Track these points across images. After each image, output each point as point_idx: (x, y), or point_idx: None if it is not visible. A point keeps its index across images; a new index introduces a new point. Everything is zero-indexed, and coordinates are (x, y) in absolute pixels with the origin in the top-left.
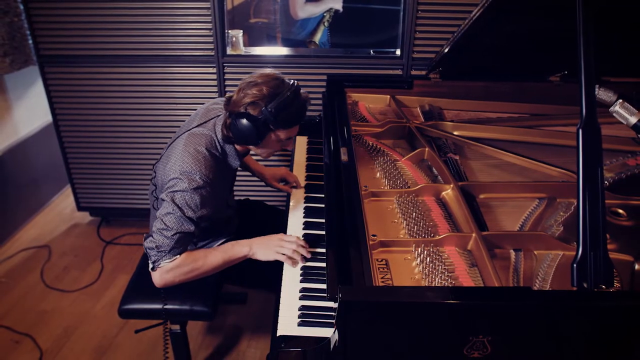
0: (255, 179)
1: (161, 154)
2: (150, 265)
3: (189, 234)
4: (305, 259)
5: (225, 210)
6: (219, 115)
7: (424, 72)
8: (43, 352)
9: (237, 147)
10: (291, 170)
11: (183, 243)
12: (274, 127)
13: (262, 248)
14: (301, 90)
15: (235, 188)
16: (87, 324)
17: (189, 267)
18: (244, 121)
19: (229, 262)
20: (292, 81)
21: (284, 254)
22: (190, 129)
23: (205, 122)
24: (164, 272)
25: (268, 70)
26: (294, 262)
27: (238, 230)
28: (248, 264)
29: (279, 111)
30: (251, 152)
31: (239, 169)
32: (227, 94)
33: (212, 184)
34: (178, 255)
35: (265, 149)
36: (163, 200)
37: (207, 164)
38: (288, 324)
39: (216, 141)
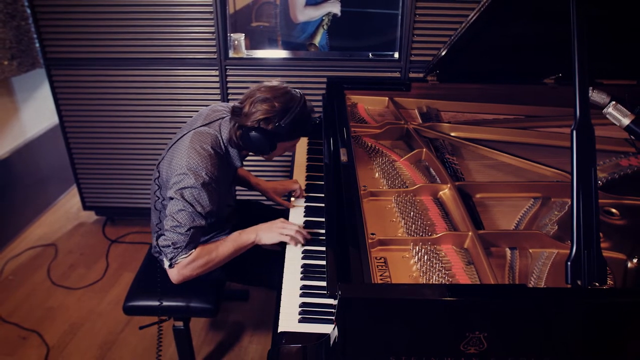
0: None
1: (162, 154)
2: (167, 263)
3: (201, 228)
4: (306, 241)
5: (225, 209)
6: (224, 117)
7: (421, 75)
8: (50, 348)
9: (243, 151)
10: (291, 170)
11: (196, 238)
12: (285, 139)
13: (267, 232)
14: (306, 102)
15: (236, 188)
16: (92, 320)
17: (204, 259)
18: (257, 135)
19: (239, 250)
20: (299, 93)
21: (287, 235)
22: (196, 128)
23: (210, 122)
24: (182, 268)
25: (276, 83)
26: (295, 242)
27: (237, 230)
28: (250, 262)
29: (291, 127)
30: (255, 156)
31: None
32: (233, 103)
33: (216, 180)
34: (193, 250)
35: (271, 156)
36: (171, 198)
37: (212, 162)
38: (289, 320)
39: (221, 141)
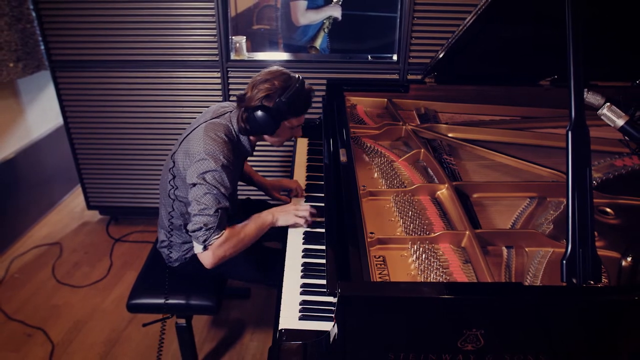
0: None
1: (175, 146)
2: (201, 247)
3: (226, 209)
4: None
5: (232, 203)
6: (231, 111)
7: (419, 77)
8: (55, 345)
9: (251, 137)
10: (292, 170)
11: (224, 219)
12: (286, 115)
13: (283, 214)
14: (306, 84)
15: (238, 188)
16: (96, 318)
17: (235, 239)
18: (260, 113)
19: (260, 231)
20: (297, 75)
21: (302, 216)
22: (207, 120)
23: (219, 115)
24: (216, 248)
25: (274, 67)
26: (308, 223)
27: None
28: (251, 260)
29: (291, 101)
30: (265, 142)
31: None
32: (239, 92)
33: (233, 164)
34: (224, 230)
35: (278, 138)
36: (194, 184)
37: (227, 147)
38: (289, 318)
39: (232, 129)
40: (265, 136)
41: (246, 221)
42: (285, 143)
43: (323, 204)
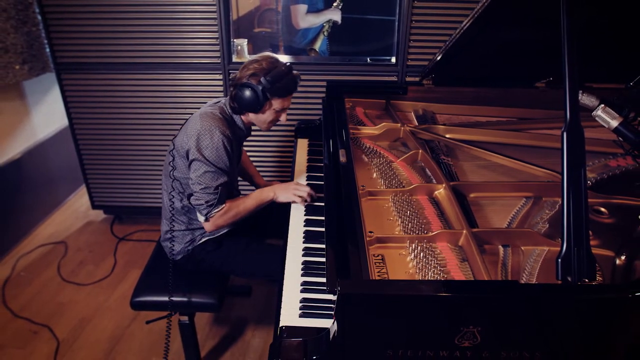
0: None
1: (177, 133)
2: (203, 218)
3: (225, 184)
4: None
5: (234, 193)
6: (226, 98)
7: (417, 79)
8: (60, 342)
9: (243, 118)
10: (292, 170)
11: (224, 193)
12: (270, 95)
13: (283, 191)
14: (293, 70)
15: (240, 188)
16: (101, 315)
17: (234, 212)
18: (246, 89)
19: (260, 206)
20: (287, 62)
21: (300, 196)
22: (204, 107)
23: (216, 103)
24: (216, 219)
25: (266, 53)
26: (304, 202)
27: (244, 223)
28: (253, 257)
29: (274, 81)
30: (254, 125)
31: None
32: (232, 75)
33: (229, 139)
34: (224, 205)
35: (264, 118)
36: (193, 160)
37: (222, 122)
38: (290, 315)
39: (226, 109)
40: (252, 116)
41: (247, 196)
42: (286, 143)
43: (323, 204)
